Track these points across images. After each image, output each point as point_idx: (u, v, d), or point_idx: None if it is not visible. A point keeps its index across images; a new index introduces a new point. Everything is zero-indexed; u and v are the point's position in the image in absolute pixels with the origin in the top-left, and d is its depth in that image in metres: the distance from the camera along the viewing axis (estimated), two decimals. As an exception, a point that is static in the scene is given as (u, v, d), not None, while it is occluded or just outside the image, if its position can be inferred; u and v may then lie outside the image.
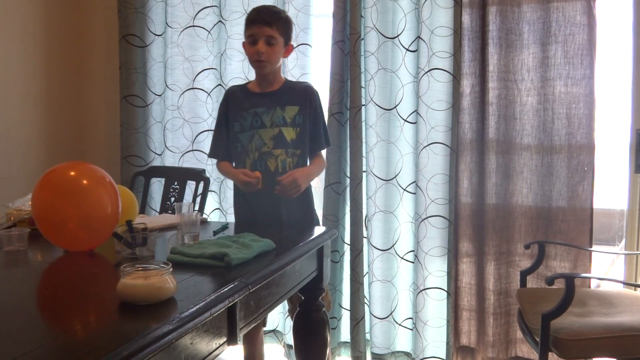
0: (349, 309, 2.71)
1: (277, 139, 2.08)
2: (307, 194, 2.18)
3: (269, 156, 2.08)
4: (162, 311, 1.10)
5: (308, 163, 2.17)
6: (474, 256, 2.63)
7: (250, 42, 2.04)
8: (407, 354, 2.73)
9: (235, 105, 2.15)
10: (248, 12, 2.16)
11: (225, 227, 2.00)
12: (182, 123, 2.96)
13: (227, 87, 2.84)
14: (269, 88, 2.13)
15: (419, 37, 2.55)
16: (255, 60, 2.05)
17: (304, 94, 2.12)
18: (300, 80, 2.64)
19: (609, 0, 2.59)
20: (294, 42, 2.25)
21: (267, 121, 2.09)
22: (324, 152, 2.30)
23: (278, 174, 2.05)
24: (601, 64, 2.44)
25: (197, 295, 1.20)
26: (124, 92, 3.01)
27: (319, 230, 2.00)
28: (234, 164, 2.19)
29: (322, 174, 2.71)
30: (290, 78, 2.69)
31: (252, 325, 1.46)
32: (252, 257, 1.53)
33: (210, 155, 2.27)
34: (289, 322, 2.77)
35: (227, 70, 2.86)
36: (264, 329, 2.54)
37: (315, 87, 2.24)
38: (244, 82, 2.39)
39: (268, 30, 2.01)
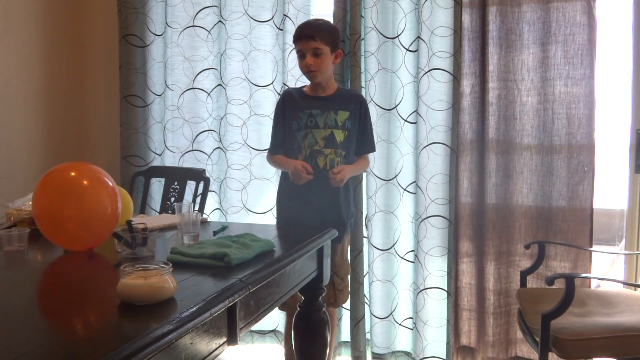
0: (349, 308, 2.71)
1: (328, 140, 2.26)
2: (348, 190, 2.36)
3: (319, 154, 2.25)
4: (162, 311, 1.11)
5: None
6: (474, 256, 2.63)
7: (300, 57, 2.24)
8: (407, 353, 2.73)
9: (292, 105, 2.33)
10: (295, 28, 2.31)
11: (225, 227, 2.01)
12: (182, 123, 2.96)
13: (227, 87, 2.86)
14: (323, 93, 2.31)
15: (419, 37, 2.55)
16: (306, 72, 2.24)
17: (355, 101, 2.32)
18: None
19: (609, 0, 2.59)
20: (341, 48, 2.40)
21: (320, 122, 2.27)
22: (370, 156, 2.49)
23: (325, 170, 2.24)
24: (601, 64, 2.43)
25: (197, 295, 1.20)
26: (124, 92, 3.01)
27: (318, 230, 2.00)
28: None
29: None
30: (291, 77, 2.71)
31: (252, 326, 1.46)
32: (252, 257, 1.53)
33: (271, 149, 2.39)
34: (289, 322, 2.77)
35: (227, 70, 2.85)
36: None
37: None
38: (300, 85, 2.49)
39: (312, 44, 2.19)
